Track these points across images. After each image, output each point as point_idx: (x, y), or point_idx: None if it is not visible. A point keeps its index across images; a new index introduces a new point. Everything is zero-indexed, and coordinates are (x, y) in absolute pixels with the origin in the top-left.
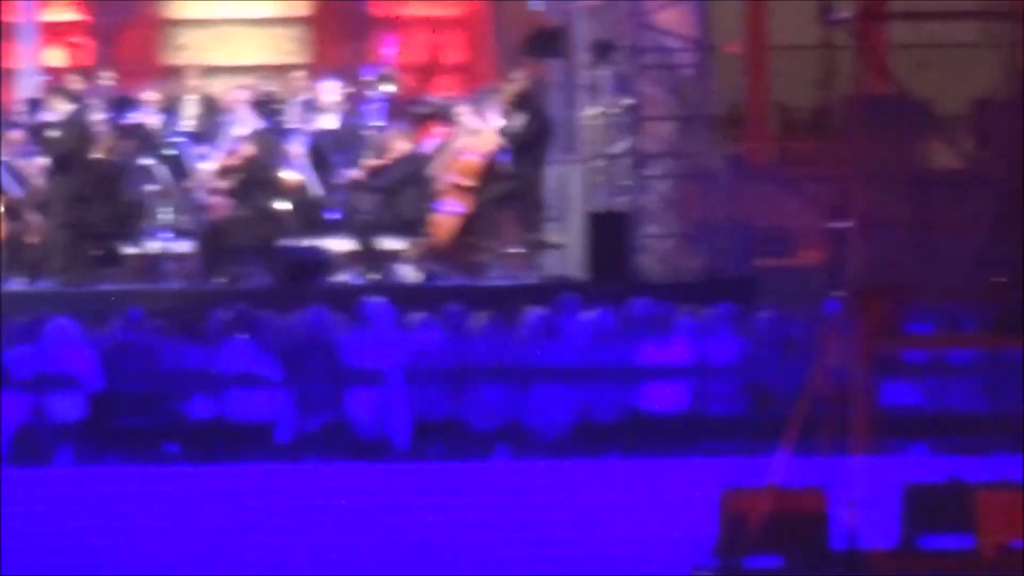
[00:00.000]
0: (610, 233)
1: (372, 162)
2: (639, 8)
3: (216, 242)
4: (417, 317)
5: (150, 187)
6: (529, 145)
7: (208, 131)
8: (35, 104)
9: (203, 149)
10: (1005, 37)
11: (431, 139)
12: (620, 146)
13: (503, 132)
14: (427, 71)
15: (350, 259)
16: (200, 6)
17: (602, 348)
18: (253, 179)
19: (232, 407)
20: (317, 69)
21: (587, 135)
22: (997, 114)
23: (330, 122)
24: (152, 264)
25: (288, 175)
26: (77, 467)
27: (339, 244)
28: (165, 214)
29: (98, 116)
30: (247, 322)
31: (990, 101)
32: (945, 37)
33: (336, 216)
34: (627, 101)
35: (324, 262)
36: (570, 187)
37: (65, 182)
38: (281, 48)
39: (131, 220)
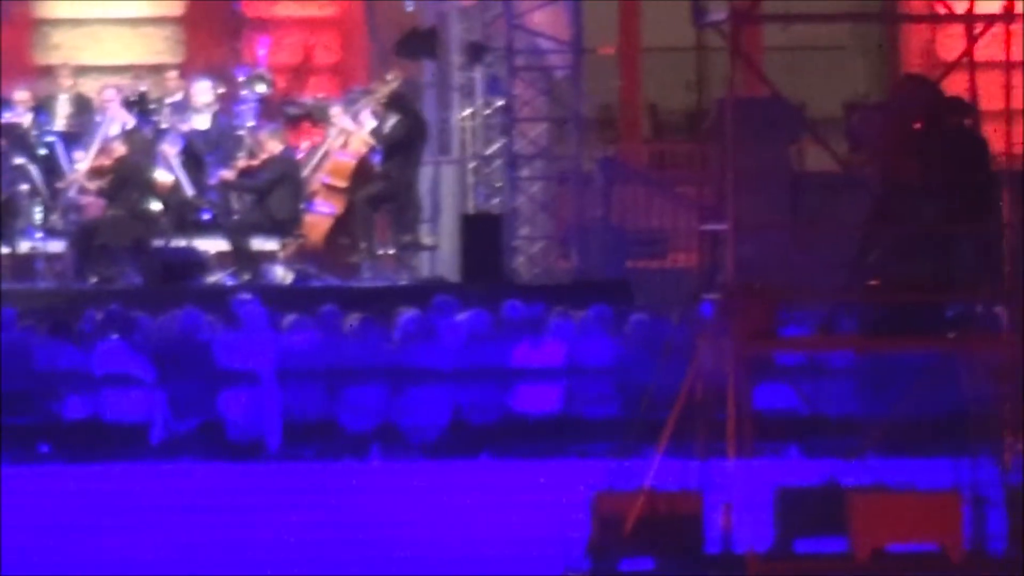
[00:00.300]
0: (483, 235)
1: (245, 163)
2: (512, 9)
3: (89, 242)
4: (290, 318)
5: (23, 187)
6: (402, 146)
7: (81, 131)
8: None
9: (76, 149)
10: (875, 40)
11: (304, 140)
12: (493, 147)
13: (376, 133)
14: (300, 72)
15: (223, 260)
16: (72, 6)
17: (475, 350)
18: (125, 179)
19: (105, 407)
20: (190, 69)
21: (460, 136)
22: (869, 117)
23: (203, 122)
24: (25, 264)
25: (161, 175)
26: None
27: (212, 245)
28: (38, 214)
29: None
30: (120, 322)
31: (862, 104)
32: (817, 40)
33: (209, 217)
34: (500, 102)
35: (197, 263)
36: (443, 188)
37: None
38: (154, 48)
39: (4, 219)
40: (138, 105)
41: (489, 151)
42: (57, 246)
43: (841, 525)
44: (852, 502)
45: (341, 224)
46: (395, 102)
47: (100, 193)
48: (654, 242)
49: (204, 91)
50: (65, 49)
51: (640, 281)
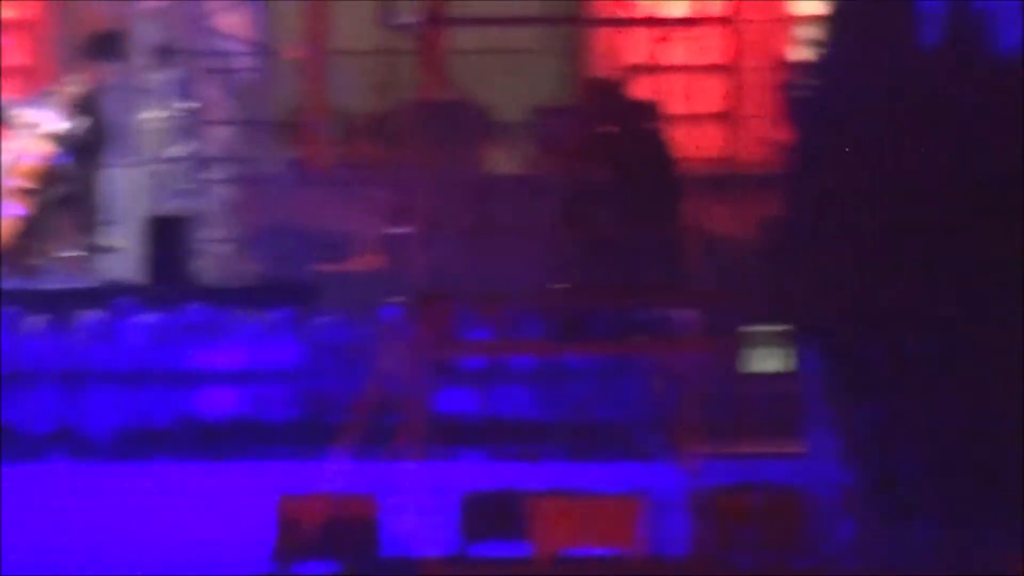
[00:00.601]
0: (169, 237)
1: None
2: (200, 11)
3: None
4: None
5: None
6: (89, 148)
7: None
8: None
9: None
10: (564, 43)
11: None
12: (180, 149)
13: (63, 135)
14: None
15: None
16: None
17: (159, 352)
18: None
19: None
20: None
21: (147, 138)
22: (556, 120)
23: None
24: None
25: None
26: None
27: None
28: None
29: None
30: None
31: (550, 107)
32: (506, 43)
33: None
34: (188, 105)
35: None
36: (130, 190)
37: None
38: None
39: None
40: None
41: (176, 153)
42: None
43: (523, 529)
44: (532, 506)
45: (27, 226)
46: (82, 104)
47: None
48: (340, 245)
49: None
50: None
51: (326, 284)
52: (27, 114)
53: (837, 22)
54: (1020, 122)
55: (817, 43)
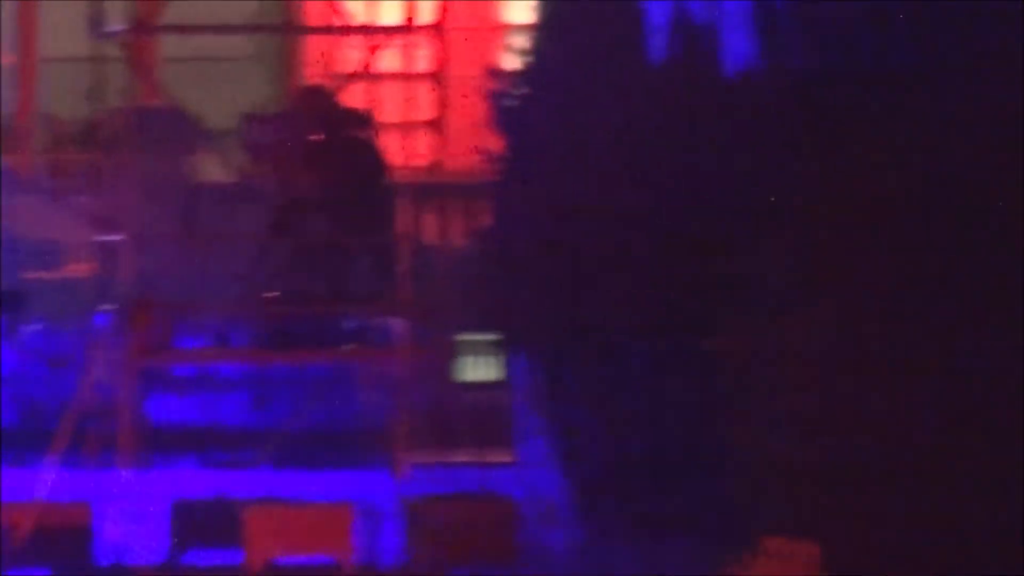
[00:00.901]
0: None
1: None
2: None
3: None
4: None
5: None
6: None
7: None
8: None
9: None
10: (276, 50)
11: None
12: None
13: None
14: None
15: None
16: None
17: None
18: None
19: None
20: None
21: None
22: (267, 127)
23: None
24: None
25: None
26: None
27: None
28: None
29: None
30: None
31: (260, 114)
32: (217, 50)
33: None
34: None
35: None
36: None
37: None
38: None
39: None
40: None
41: None
42: None
43: (235, 537)
44: (245, 514)
45: None
46: None
47: None
48: (49, 252)
49: None
50: None
51: (35, 291)
52: None
53: (547, 30)
54: (735, 131)
55: (528, 51)
